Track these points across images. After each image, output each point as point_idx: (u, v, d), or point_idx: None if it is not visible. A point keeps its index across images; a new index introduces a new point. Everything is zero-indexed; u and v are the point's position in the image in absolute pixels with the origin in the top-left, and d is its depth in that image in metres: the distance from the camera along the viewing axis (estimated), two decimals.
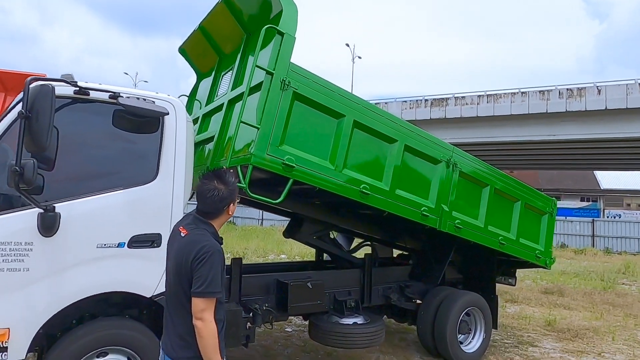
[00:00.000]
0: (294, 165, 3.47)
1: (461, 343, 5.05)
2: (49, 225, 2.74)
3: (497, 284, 5.87)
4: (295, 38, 3.55)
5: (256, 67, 3.41)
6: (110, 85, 3.14)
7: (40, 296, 2.76)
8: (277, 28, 3.47)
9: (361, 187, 3.87)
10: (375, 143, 4.06)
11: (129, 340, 3.05)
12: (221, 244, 2.15)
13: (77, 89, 2.95)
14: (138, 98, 3.13)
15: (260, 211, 21.76)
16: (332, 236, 5.31)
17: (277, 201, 3.53)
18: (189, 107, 5.34)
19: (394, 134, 4.14)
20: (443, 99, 28.12)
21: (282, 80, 3.44)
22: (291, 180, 3.50)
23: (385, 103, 29.94)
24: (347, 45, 37.70)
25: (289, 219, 5.29)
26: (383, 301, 5.05)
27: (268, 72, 3.43)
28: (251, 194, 3.36)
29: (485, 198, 4.92)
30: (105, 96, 3.03)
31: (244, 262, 4.28)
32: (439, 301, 4.98)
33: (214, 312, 2.01)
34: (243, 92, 3.61)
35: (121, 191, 3.06)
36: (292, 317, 5.50)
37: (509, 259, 5.55)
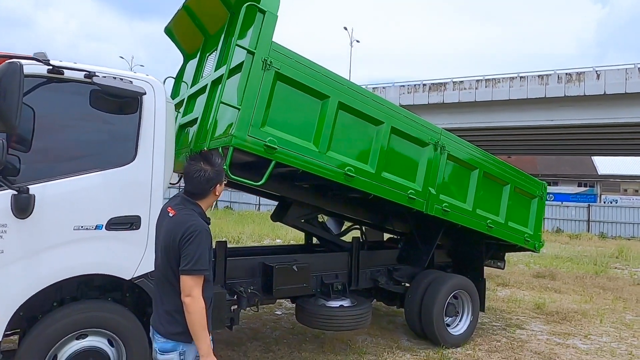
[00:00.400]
0: (276, 147, 3.42)
1: (448, 325, 5.07)
2: (22, 206, 2.70)
3: (486, 268, 5.89)
4: (277, 16, 3.47)
5: (237, 47, 3.35)
6: (86, 65, 3.07)
7: (15, 279, 2.73)
8: (259, 6, 3.38)
9: (346, 169, 3.82)
10: (361, 125, 4.01)
11: (109, 322, 3.04)
12: (208, 224, 2.21)
13: (50, 67, 2.87)
14: (115, 78, 3.06)
15: (257, 196, 21.76)
16: (320, 220, 5.29)
17: (258, 183, 3.48)
18: (176, 90, 5.26)
19: (380, 115, 4.08)
20: (441, 83, 27.90)
21: (264, 60, 3.36)
22: (273, 162, 3.46)
23: (383, 88, 29.74)
24: (345, 28, 37.34)
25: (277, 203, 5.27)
26: (371, 284, 5.06)
27: (249, 52, 3.35)
28: (232, 175, 3.33)
29: (473, 181, 4.89)
30: (80, 75, 2.96)
31: (239, 246, 4.27)
32: (426, 284, 4.99)
33: (201, 289, 2.07)
34: (226, 74, 3.54)
35: (98, 172, 3.01)
36: (282, 300, 5.51)
37: (498, 242, 5.54)
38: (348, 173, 3.83)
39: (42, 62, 2.83)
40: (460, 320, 5.15)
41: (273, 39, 3.43)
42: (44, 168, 2.89)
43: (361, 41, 40.68)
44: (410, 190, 4.30)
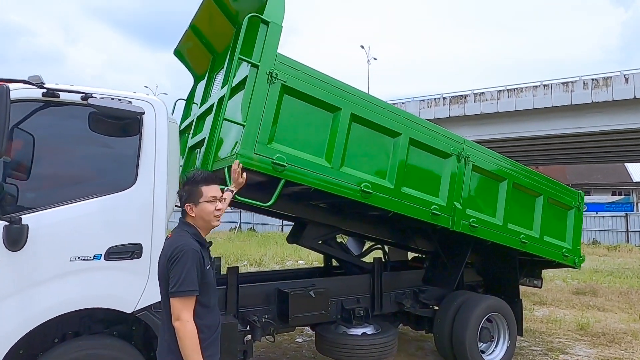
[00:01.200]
0: (285, 164, 3.19)
1: (483, 352, 4.64)
2: (14, 238, 2.53)
3: (521, 286, 5.44)
4: (281, 27, 3.29)
5: (241, 61, 3.17)
6: (84, 87, 2.94)
7: (9, 315, 2.54)
8: (261, 17, 3.21)
9: (362, 186, 3.55)
10: (376, 137, 3.75)
11: None
12: (205, 245, 2.19)
13: (45, 90, 2.74)
14: (113, 98, 2.91)
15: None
16: (339, 240, 5.00)
17: (267, 204, 3.24)
18: (187, 111, 5.14)
19: (397, 126, 3.81)
20: (462, 96, 27.49)
21: (269, 72, 3.17)
22: (282, 181, 3.22)
23: (403, 103, 29.47)
24: (362, 47, 37.30)
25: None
26: (396, 308, 4.71)
27: (253, 65, 3.17)
28: (237, 196, 3.10)
29: (503, 193, 4.53)
30: (76, 97, 2.82)
31: (260, 269, 4.03)
32: (456, 307, 4.60)
33: (193, 313, 2.00)
34: (231, 90, 3.37)
35: (96, 199, 2.83)
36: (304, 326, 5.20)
37: (533, 258, 5.12)
38: (365, 190, 3.55)
39: (34, 85, 2.70)
40: (496, 346, 4.71)
41: (279, 51, 3.25)
42: (37, 196, 2.74)
43: (379, 58, 40.69)
44: (434, 206, 3.98)
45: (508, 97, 25.85)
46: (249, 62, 3.16)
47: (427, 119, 26.09)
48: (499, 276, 5.19)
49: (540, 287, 5.55)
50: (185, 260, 1.98)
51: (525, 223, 4.73)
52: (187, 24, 4.55)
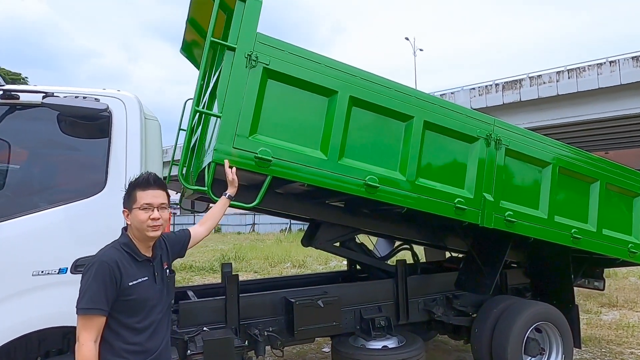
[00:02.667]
0: (271, 158, 2.78)
1: None
2: None
3: (581, 288, 4.67)
4: (261, 2, 2.88)
5: (214, 45, 2.82)
6: (49, 86, 2.72)
7: None
8: None
9: (367, 179, 3.06)
10: (383, 123, 3.24)
11: None
12: (139, 257, 1.91)
13: (1, 92, 2.54)
14: (77, 96, 2.66)
15: None
16: (359, 242, 4.51)
17: (250, 205, 2.86)
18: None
19: (408, 109, 3.28)
20: (516, 80, 25.76)
21: (248, 55, 2.78)
22: (269, 178, 2.82)
23: (452, 93, 28.14)
24: (407, 39, 36.19)
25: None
26: (425, 317, 4.16)
27: (229, 48, 2.80)
28: (215, 197, 2.74)
29: (547, 181, 3.83)
30: (38, 98, 2.59)
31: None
32: (497, 315, 3.96)
33: (113, 334, 1.81)
34: (217, 80, 3.01)
35: (61, 207, 2.58)
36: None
37: (592, 256, 4.34)
38: (370, 183, 3.06)
39: None
40: None
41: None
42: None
43: (425, 49, 39.31)
44: (458, 199, 3.40)
45: (569, 77, 23.82)
46: (222, 44, 2.80)
47: (479, 108, 24.80)
48: (549, 278, 4.44)
49: (603, 290, 4.73)
50: (90, 273, 1.78)
51: (578, 215, 3.99)
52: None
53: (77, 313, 1.76)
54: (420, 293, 4.19)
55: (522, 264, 4.77)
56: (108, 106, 2.69)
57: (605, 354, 4.90)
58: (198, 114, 4.04)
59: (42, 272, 2.50)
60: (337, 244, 4.30)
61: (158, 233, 1.94)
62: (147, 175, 1.99)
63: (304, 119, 3.01)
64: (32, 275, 2.48)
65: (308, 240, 4.29)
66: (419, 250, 5.92)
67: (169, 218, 2.17)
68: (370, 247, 4.90)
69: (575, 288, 4.91)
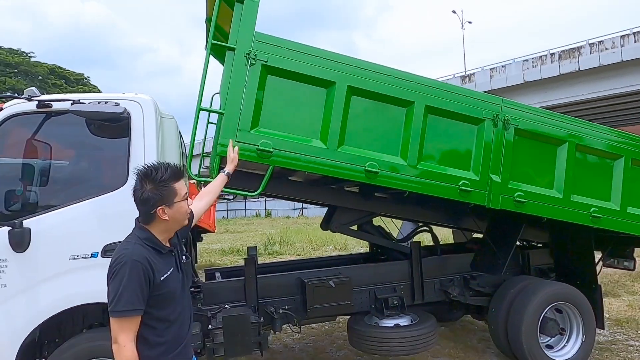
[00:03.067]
0: (271, 149, 2.99)
1: (550, 348, 3.97)
2: (18, 241, 2.76)
3: (610, 268, 4.53)
4: (257, 2, 3.06)
5: (214, 46, 3.04)
6: (77, 94, 3.09)
7: (18, 311, 2.80)
8: None
9: (367, 165, 3.20)
10: (383, 110, 3.34)
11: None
12: (163, 251, 1.87)
13: (38, 103, 2.93)
14: (99, 102, 3.01)
15: None
16: (376, 224, 4.63)
17: (254, 193, 3.09)
18: None
19: (408, 94, 3.35)
20: (574, 48, 24.07)
21: (247, 54, 2.99)
22: (270, 168, 3.04)
23: (502, 67, 26.91)
24: (454, 12, 34.70)
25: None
26: (442, 297, 4.24)
27: (229, 49, 3.02)
28: (224, 188, 3.00)
29: (562, 159, 3.74)
30: (67, 105, 2.97)
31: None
32: (514, 295, 3.98)
33: (148, 330, 1.79)
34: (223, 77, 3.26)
35: (91, 200, 2.96)
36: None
37: (619, 235, 4.18)
38: (369, 169, 3.20)
39: (25, 99, 2.90)
40: (567, 341, 3.98)
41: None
42: (38, 201, 2.94)
43: (474, 22, 37.52)
44: (463, 181, 3.44)
45: (635, 41, 21.92)
46: (223, 46, 3.02)
47: (533, 81, 23.34)
48: (572, 259, 4.34)
49: (633, 270, 4.52)
50: (123, 274, 1.71)
51: (599, 193, 3.86)
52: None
53: (112, 316, 1.71)
54: (437, 274, 4.26)
55: (548, 245, 4.68)
56: (126, 109, 3.00)
57: None
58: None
59: (77, 256, 2.90)
60: (355, 227, 4.46)
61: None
62: (169, 166, 1.91)
63: (304, 110, 3.17)
64: (69, 259, 2.88)
65: (326, 224, 4.49)
66: (447, 232, 5.94)
67: None
68: (394, 229, 5.02)
69: (618, 269, 4.79)
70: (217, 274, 4.35)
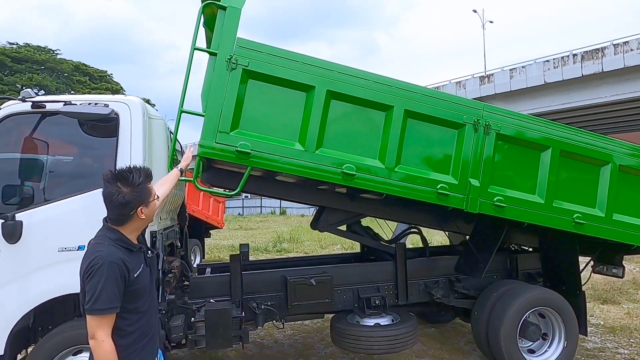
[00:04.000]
0: (250, 151, 3.11)
1: (532, 352, 3.99)
2: (10, 233, 2.96)
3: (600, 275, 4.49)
4: (240, 9, 3.18)
5: (195, 51, 3.17)
6: (69, 96, 3.28)
7: (9, 298, 3.00)
8: (217, 3, 3.16)
9: (344, 167, 3.28)
10: (362, 113, 3.41)
11: None
12: (134, 249, 1.99)
13: (32, 104, 3.12)
14: (89, 103, 3.19)
15: None
16: (364, 225, 4.71)
17: (232, 193, 3.23)
18: None
19: (387, 99, 3.41)
20: (597, 49, 23.46)
21: (228, 59, 3.11)
22: (248, 169, 3.16)
23: (523, 67, 26.41)
24: (475, 11, 34.22)
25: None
26: (426, 298, 4.29)
27: (211, 54, 3.16)
28: (199, 187, 3.15)
29: (545, 165, 3.74)
30: (59, 106, 3.15)
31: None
32: (496, 298, 4.00)
33: (122, 320, 1.90)
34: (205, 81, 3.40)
35: (79, 196, 3.14)
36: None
37: (607, 242, 4.15)
38: (346, 172, 3.28)
39: (20, 100, 3.10)
40: (549, 347, 3.98)
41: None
42: (30, 196, 3.13)
43: (495, 21, 36.93)
44: (441, 185, 3.49)
45: None
46: (204, 51, 3.16)
47: (554, 82, 22.83)
48: (558, 264, 4.33)
49: (622, 277, 4.47)
50: (101, 274, 1.81)
51: (583, 199, 3.85)
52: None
53: (91, 314, 1.80)
54: (422, 275, 4.32)
55: (541, 250, 4.67)
56: (113, 110, 3.17)
57: (632, 343, 4.66)
58: None
59: (65, 248, 3.08)
60: (345, 228, 4.55)
61: None
62: (142, 169, 2.03)
63: (283, 113, 3.28)
64: (58, 251, 3.07)
65: (315, 223, 4.59)
66: (442, 234, 5.95)
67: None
68: (388, 231, 5.08)
69: (607, 276, 4.74)
70: (208, 270, 4.51)
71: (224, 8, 3.16)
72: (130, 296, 1.92)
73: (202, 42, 3.42)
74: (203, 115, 3.11)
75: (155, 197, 2.07)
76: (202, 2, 3.21)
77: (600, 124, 29.16)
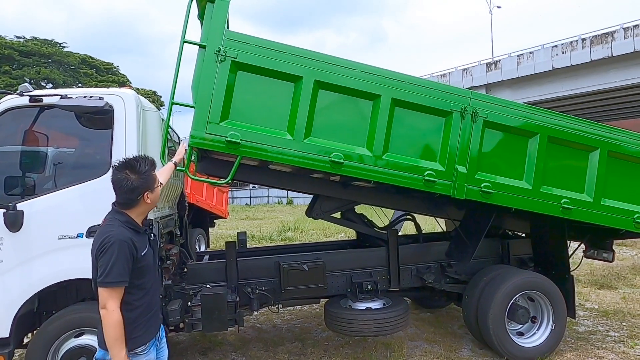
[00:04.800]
0: (239, 141, 3.21)
1: (521, 335, 4.07)
2: (12, 221, 3.11)
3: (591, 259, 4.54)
4: (228, 2, 3.26)
5: (185, 44, 3.26)
6: (66, 89, 3.40)
7: (13, 284, 3.16)
8: None
9: (332, 155, 3.37)
10: (349, 103, 3.48)
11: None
12: (141, 230, 2.16)
13: (30, 97, 3.25)
14: (85, 97, 3.30)
15: None
16: (359, 212, 4.80)
17: (223, 182, 3.33)
18: None
19: (374, 88, 3.48)
20: (607, 33, 23.09)
21: (217, 51, 3.19)
22: (239, 158, 3.26)
23: (530, 53, 26.07)
24: None
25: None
26: (418, 283, 4.39)
27: (200, 46, 3.24)
28: (191, 176, 3.27)
29: (533, 151, 3.79)
30: (56, 100, 3.27)
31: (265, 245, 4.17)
32: (485, 283, 4.09)
33: (129, 293, 2.07)
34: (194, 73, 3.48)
35: (77, 186, 3.27)
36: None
37: (598, 227, 4.19)
38: (334, 160, 3.37)
39: (18, 94, 3.22)
40: (537, 329, 4.07)
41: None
42: (31, 186, 3.27)
43: (503, 6, 36.39)
44: (429, 172, 3.56)
45: None
46: (194, 44, 3.24)
47: (563, 67, 22.50)
48: (548, 249, 4.39)
49: (611, 261, 4.52)
50: (113, 251, 1.99)
51: (571, 184, 3.89)
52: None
53: (103, 286, 1.98)
54: (414, 261, 4.41)
55: (533, 235, 4.72)
56: (107, 103, 3.28)
57: (623, 327, 4.73)
58: None
59: (65, 236, 3.22)
60: (339, 215, 4.64)
61: None
62: (146, 157, 2.21)
63: (272, 104, 3.36)
64: (58, 238, 3.21)
65: (309, 211, 4.69)
66: (439, 221, 6.03)
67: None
68: (384, 218, 5.17)
69: (598, 260, 4.79)
70: (206, 257, 4.65)
71: (212, 1, 3.23)
72: (137, 273, 2.11)
73: (198, 35, 3.48)
74: (193, 107, 3.20)
75: (159, 184, 2.24)
76: None
77: (609, 110, 28.77)
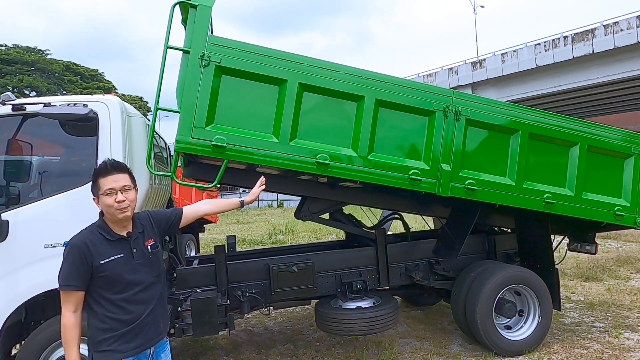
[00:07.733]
0: (225, 145, 3.23)
1: (509, 328, 4.14)
2: None
3: (574, 253, 4.63)
4: (210, 7, 3.28)
5: (168, 49, 3.27)
6: (49, 97, 3.38)
7: (1, 293, 3.13)
8: (189, 2, 3.25)
9: (318, 157, 3.40)
10: (334, 104, 3.53)
11: None
12: (112, 237, 2.08)
13: (12, 106, 3.23)
14: (69, 104, 3.29)
15: None
16: (346, 212, 4.84)
17: (209, 186, 3.34)
18: None
19: (358, 89, 3.53)
20: (587, 31, 23.49)
21: (201, 56, 3.21)
22: (225, 162, 3.28)
23: (514, 51, 26.41)
24: None
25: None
26: (407, 281, 4.44)
27: (184, 52, 3.26)
28: (179, 181, 3.28)
29: (514, 148, 3.87)
30: (39, 108, 3.25)
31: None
32: (472, 278, 4.15)
33: (97, 304, 2.04)
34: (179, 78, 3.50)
35: (62, 194, 3.26)
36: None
37: (579, 220, 4.29)
38: (320, 161, 3.40)
39: (0, 104, 3.20)
40: (524, 323, 4.14)
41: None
42: (15, 195, 3.25)
43: (486, 5, 36.86)
44: (413, 170, 3.62)
45: None
46: (177, 49, 3.25)
47: (546, 65, 22.84)
48: (533, 243, 4.48)
49: (595, 254, 4.62)
50: (66, 255, 2.01)
51: (554, 179, 3.98)
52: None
53: (59, 288, 2.02)
54: (402, 259, 4.45)
55: (518, 231, 4.81)
56: (91, 110, 3.28)
57: (608, 317, 4.83)
58: None
59: (51, 245, 3.20)
60: (328, 216, 4.68)
61: (127, 214, 2.08)
62: (105, 162, 2.13)
63: (257, 107, 3.39)
64: (44, 247, 3.19)
65: (298, 213, 4.71)
66: (427, 219, 6.10)
67: (135, 198, 2.22)
68: (373, 218, 5.21)
69: (582, 253, 4.89)
70: (196, 262, 4.65)
71: (194, 7, 3.25)
72: (100, 282, 2.02)
73: (182, 40, 3.49)
74: (179, 112, 3.22)
75: (106, 192, 2.06)
76: (174, 2, 3.30)
77: (593, 106, 29.29)
